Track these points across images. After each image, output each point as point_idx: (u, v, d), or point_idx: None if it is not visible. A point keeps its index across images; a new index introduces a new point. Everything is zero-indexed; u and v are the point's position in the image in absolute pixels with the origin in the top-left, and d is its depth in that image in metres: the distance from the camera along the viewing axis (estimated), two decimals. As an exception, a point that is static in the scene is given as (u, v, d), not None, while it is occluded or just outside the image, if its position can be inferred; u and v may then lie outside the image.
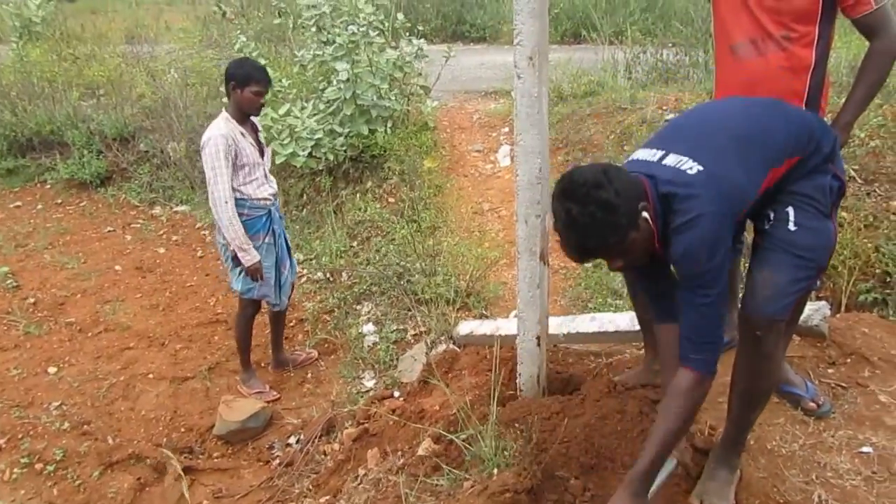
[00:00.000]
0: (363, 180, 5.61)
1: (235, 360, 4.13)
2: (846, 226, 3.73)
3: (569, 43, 9.25)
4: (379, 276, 4.50)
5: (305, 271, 5.02)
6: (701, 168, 1.75)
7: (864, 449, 2.16)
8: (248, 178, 3.51)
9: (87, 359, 4.34)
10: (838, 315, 3.05)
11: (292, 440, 3.59)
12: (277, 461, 3.46)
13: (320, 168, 5.60)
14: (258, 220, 3.61)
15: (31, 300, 4.99)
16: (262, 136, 3.70)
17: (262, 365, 4.20)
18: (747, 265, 1.98)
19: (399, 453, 2.68)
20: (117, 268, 5.49)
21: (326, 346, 4.34)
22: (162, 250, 5.80)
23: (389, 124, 5.70)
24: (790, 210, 1.85)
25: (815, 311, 2.73)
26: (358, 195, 5.47)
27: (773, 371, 1.93)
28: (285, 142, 5.25)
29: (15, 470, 3.40)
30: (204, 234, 6.00)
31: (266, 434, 3.70)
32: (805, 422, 2.30)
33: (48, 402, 3.93)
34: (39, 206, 6.73)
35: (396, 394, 3.49)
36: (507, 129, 6.16)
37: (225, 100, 5.38)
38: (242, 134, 3.47)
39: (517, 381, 2.61)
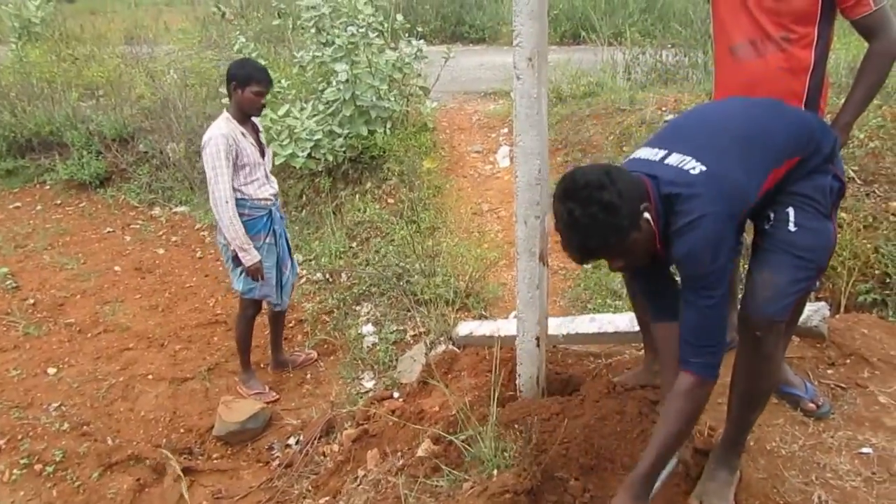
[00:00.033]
0: (362, 181, 5.61)
1: (235, 360, 4.13)
2: (845, 226, 3.74)
3: (568, 44, 9.25)
4: (378, 276, 4.50)
5: (305, 272, 5.02)
6: (704, 168, 1.75)
7: (864, 450, 2.16)
8: (249, 178, 3.51)
9: (86, 359, 4.34)
10: (838, 316, 3.05)
11: (292, 441, 3.59)
12: (277, 462, 3.45)
13: (319, 169, 5.60)
14: (259, 221, 3.61)
15: (31, 301, 4.99)
16: (262, 136, 3.71)
17: (262, 366, 4.20)
18: (746, 266, 1.98)
19: (398, 454, 2.68)
20: (117, 268, 5.49)
21: (326, 346, 4.34)
22: (161, 251, 5.80)
23: (389, 125, 5.70)
24: (790, 211, 1.85)
25: (814, 311, 2.73)
26: (357, 196, 5.47)
27: (772, 372, 1.93)
28: (284, 143, 5.25)
29: (14, 471, 3.40)
30: (203, 235, 6.00)
31: (265, 435, 3.70)
32: (805, 423, 2.30)
33: (48, 403, 3.92)
34: (39, 207, 6.73)
35: (396, 394, 3.49)
36: (506, 130, 6.16)
37: (224, 100, 5.39)
38: (243, 134, 3.47)
39: (517, 381, 2.61)
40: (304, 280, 4.97)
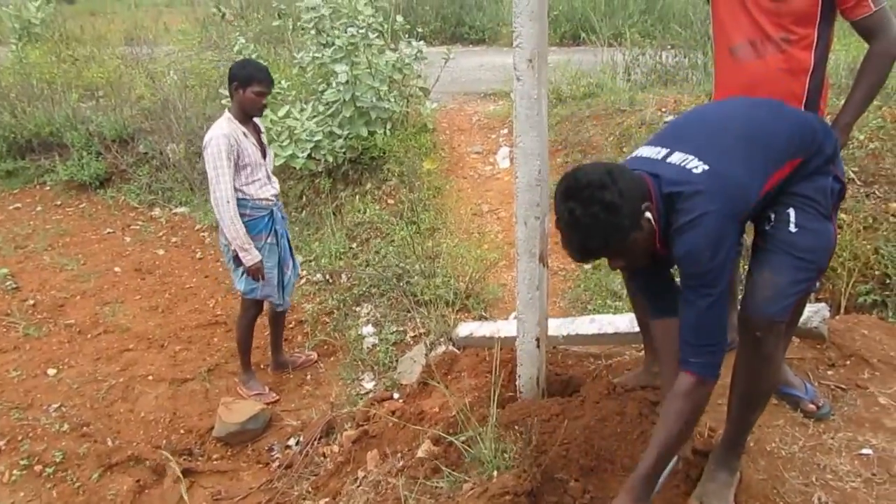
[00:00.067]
0: (362, 182, 5.61)
1: (235, 361, 4.13)
2: (845, 227, 3.74)
3: (568, 45, 9.26)
4: (378, 277, 4.50)
5: (305, 273, 5.01)
6: (706, 167, 1.74)
7: (864, 451, 2.16)
8: (251, 178, 3.52)
9: (86, 360, 4.34)
10: (838, 317, 3.05)
11: (292, 442, 3.59)
12: (277, 463, 3.45)
13: (319, 170, 5.60)
14: (260, 221, 3.61)
15: (31, 302, 4.99)
16: (264, 137, 3.72)
17: (262, 367, 4.20)
18: (746, 267, 1.98)
19: (398, 455, 2.68)
20: (117, 269, 5.49)
21: (326, 347, 4.34)
22: (161, 252, 5.80)
23: (389, 126, 5.70)
24: (791, 211, 1.85)
25: (814, 312, 2.73)
26: (357, 197, 5.47)
27: (772, 373, 1.93)
28: (284, 143, 5.26)
29: (14, 472, 3.40)
30: (203, 236, 6.00)
31: (265, 436, 3.69)
32: (805, 424, 2.30)
33: (47, 404, 3.92)
34: (39, 208, 6.73)
35: (396, 395, 3.50)
36: (506, 131, 6.17)
37: (224, 101, 5.40)
38: (245, 134, 3.48)
39: (517, 382, 2.61)
40: (304, 281, 4.97)
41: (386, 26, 5.98)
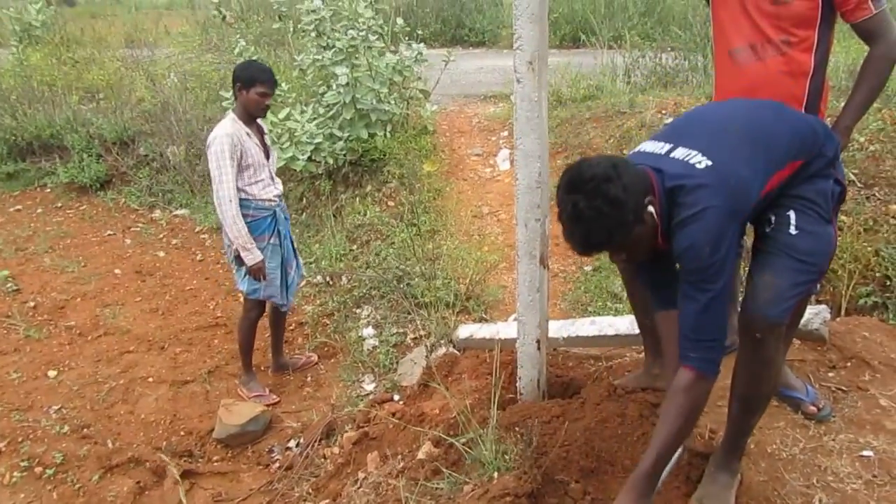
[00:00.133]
0: (363, 184, 5.61)
1: (235, 363, 4.13)
2: (846, 230, 3.74)
3: (568, 47, 9.27)
4: (378, 279, 4.50)
5: (305, 274, 5.02)
6: (710, 163, 1.74)
7: (865, 453, 2.16)
8: (254, 178, 3.53)
9: (86, 362, 4.33)
10: (838, 319, 3.05)
11: (292, 444, 3.59)
12: (277, 465, 3.45)
13: (320, 172, 5.61)
14: (263, 221, 3.62)
15: (31, 304, 4.99)
16: (268, 138, 3.72)
17: (262, 368, 4.20)
18: (747, 269, 1.98)
19: (399, 457, 2.67)
20: (117, 271, 5.49)
21: (326, 349, 4.34)
22: (161, 254, 5.80)
23: (389, 128, 5.71)
24: (791, 214, 1.85)
25: (815, 314, 2.73)
26: (357, 199, 5.48)
27: (772, 376, 1.92)
28: (285, 146, 5.26)
29: (14, 473, 3.39)
30: (203, 238, 6.01)
31: (266, 438, 3.69)
32: (805, 425, 2.30)
33: (48, 406, 3.92)
34: (39, 210, 6.73)
35: (396, 397, 3.50)
36: (506, 133, 6.17)
37: (225, 104, 5.41)
38: (248, 134, 3.49)
39: (517, 384, 2.61)
40: (304, 282, 4.96)
41: (386, 29, 5.99)
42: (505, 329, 3.26)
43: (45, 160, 7.15)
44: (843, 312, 3.50)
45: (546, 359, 2.60)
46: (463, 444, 2.35)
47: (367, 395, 3.77)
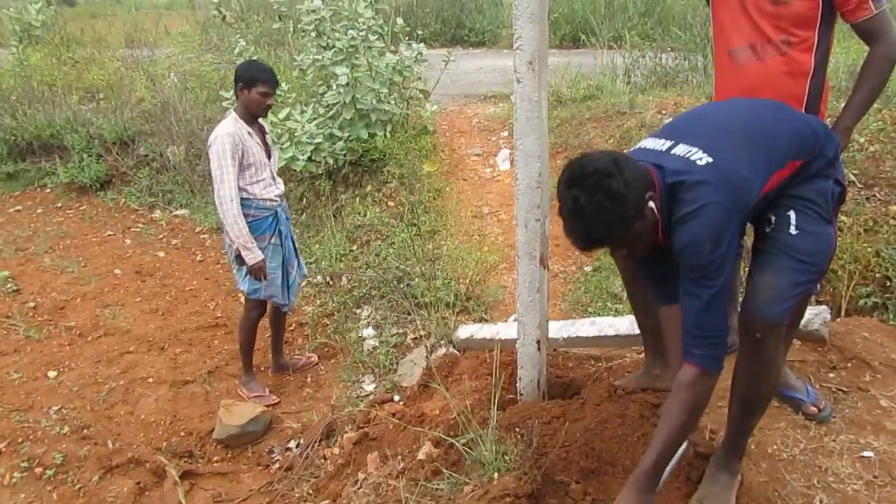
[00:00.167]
0: (363, 184, 5.61)
1: (235, 364, 4.13)
2: (846, 230, 3.74)
3: (568, 47, 9.27)
4: (379, 279, 4.50)
5: (307, 274, 5.02)
6: (711, 160, 1.74)
7: (866, 453, 2.16)
8: (255, 178, 3.53)
9: (86, 363, 4.33)
10: (838, 319, 3.05)
11: (292, 444, 3.59)
12: (277, 465, 3.45)
13: (320, 172, 5.60)
14: (264, 221, 3.62)
15: (32, 304, 4.98)
16: (269, 138, 3.72)
17: (262, 369, 4.20)
18: (747, 269, 1.98)
19: (399, 457, 2.67)
20: (117, 272, 5.49)
21: (326, 349, 4.34)
22: (161, 254, 5.80)
23: (389, 128, 5.71)
24: (792, 214, 1.85)
25: (815, 315, 2.73)
26: (357, 199, 5.47)
27: (773, 376, 1.92)
28: (285, 146, 5.26)
29: (15, 474, 3.39)
30: (203, 238, 6.00)
31: (266, 438, 3.69)
32: (806, 426, 2.30)
33: (48, 407, 3.92)
34: (39, 210, 6.73)
35: (396, 398, 3.50)
36: (506, 133, 6.17)
37: (225, 104, 5.41)
38: (250, 134, 3.50)
39: (517, 385, 2.61)
40: (304, 283, 4.97)
41: (386, 29, 5.99)
42: (505, 329, 3.26)
43: (45, 160, 7.15)
44: (843, 313, 3.49)
45: (546, 359, 2.60)
46: (463, 445, 2.35)
47: (368, 395, 3.77)
